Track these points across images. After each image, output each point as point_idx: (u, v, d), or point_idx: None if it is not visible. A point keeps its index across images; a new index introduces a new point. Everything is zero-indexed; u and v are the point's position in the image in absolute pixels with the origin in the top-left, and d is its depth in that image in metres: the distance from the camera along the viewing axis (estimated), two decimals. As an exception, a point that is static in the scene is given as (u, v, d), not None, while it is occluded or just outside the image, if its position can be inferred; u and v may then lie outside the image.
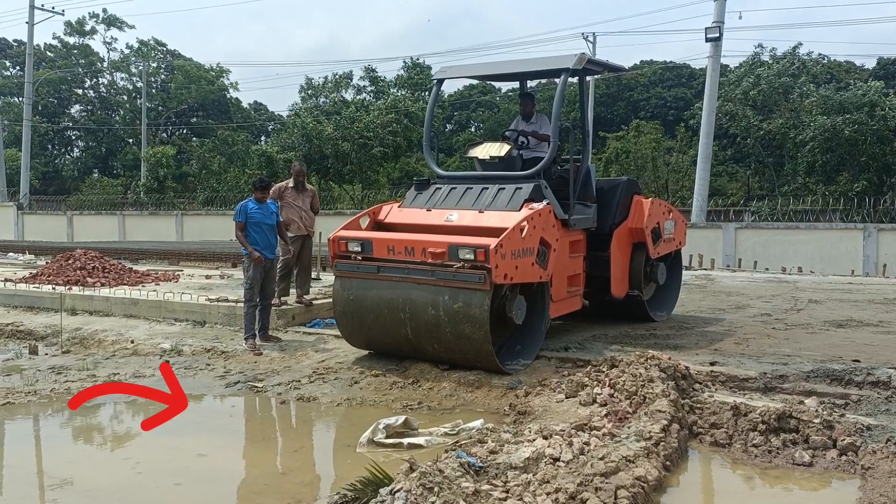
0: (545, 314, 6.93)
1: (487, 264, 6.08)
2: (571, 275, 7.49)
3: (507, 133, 8.13)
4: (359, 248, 6.91)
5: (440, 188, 7.45)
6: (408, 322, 6.63)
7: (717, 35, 20.19)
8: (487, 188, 7.14)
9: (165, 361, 7.70)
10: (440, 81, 8.49)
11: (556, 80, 7.77)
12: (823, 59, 36.50)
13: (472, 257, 6.16)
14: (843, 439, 4.74)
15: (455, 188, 7.35)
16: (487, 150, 7.55)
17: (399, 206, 7.56)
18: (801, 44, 34.82)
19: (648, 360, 5.67)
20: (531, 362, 6.70)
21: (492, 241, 6.11)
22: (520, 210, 6.71)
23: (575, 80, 8.10)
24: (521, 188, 6.96)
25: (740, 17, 60.06)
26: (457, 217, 6.94)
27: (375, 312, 6.85)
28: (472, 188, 7.23)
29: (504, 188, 7.04)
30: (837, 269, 16.68)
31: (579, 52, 7.49)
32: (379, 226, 7.44)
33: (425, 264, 6.45)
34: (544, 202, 6.82)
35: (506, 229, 6.28)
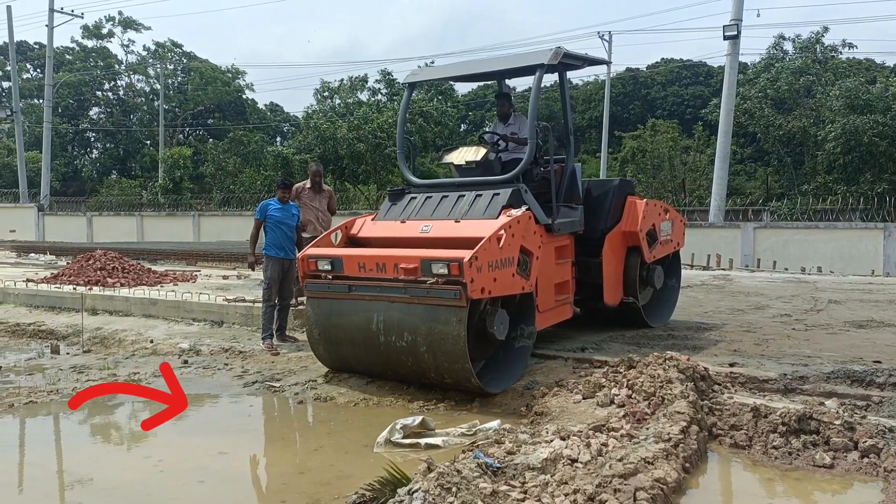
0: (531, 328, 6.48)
1: (462, 279, 5.64)
2: (559, 282, 7.06)
3: (484, 136, 7.81)
4: (329, 267, 6.50)
5: (415, 198, 7.04)
6: (382, 344, 6.24)
7: (735, 33, 20.00)
8: (464, 195, 6.72)
9: (166, 362, 7.72)
10: (411, 86, 8.16)
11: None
12: (851, 48, 35.45)
13: (445, 272, 5.75)
14: (865, 441, 4.68)
15: (431, 197, 6.92)
16: (463, 155, 7.22)
17: (373, 219, 7.14)
18: (827, 29, 33.15)
19: (667, 361, 5.62)
20: (513, 382, 6.33)
21: (466, 254, 5.67)
22: (498, 217, 6.29)
23: (554, 76, 7.72)
24: (498, 194, 6.56)
25: (758, 15, 59.16)
26: (432, 228, 6.53)
27: (348, 335, 6.50)
28: (448, 196, 6.81)
29: (481, 195, 6.62)
30: (857, 269, 16.49)
31: (555, 47, 7.04)
32: (352, 241, 7.02)
33: (398, 281, 6.04)
34: (524, 208, 6.40)
35: (482, 239, 5.85)
